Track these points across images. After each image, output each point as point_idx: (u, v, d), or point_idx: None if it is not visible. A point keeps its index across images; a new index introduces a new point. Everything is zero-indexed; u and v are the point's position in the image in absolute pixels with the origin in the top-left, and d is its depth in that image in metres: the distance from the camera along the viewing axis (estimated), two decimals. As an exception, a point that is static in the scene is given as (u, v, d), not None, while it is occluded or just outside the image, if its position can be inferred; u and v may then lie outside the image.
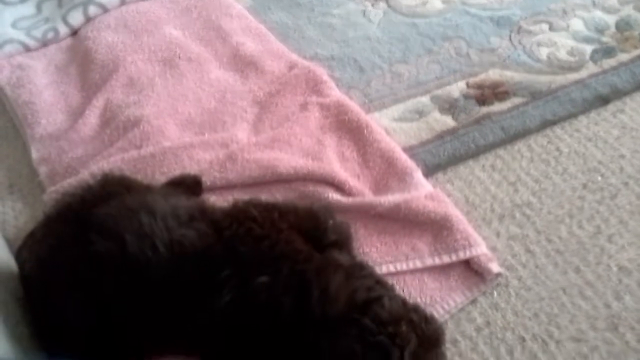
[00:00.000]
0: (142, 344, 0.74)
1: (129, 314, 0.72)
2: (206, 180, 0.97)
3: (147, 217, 0.72)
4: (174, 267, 0.70)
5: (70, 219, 0.75)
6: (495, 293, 0.87)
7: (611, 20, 1.33)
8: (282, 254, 0.72)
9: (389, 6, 1.40)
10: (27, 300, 0.78)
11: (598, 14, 1.35)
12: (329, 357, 0.67)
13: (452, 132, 1.09)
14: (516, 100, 1.15)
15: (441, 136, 1.09)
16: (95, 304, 0.72)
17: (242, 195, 0.90)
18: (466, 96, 1.17)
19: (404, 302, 0.74)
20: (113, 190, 0.77)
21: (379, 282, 0.75)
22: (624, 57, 1.24)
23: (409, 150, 1.05)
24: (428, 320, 0.75)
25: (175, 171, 0.98)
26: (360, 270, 0.74)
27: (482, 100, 1.16)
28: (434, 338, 0.74)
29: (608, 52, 1.25)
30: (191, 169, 0.99)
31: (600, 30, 1.31)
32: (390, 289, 0.75)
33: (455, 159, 1.06)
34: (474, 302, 0.86)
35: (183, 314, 0.71)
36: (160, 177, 0.97)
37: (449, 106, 1.15)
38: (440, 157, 1.05)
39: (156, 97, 1.13)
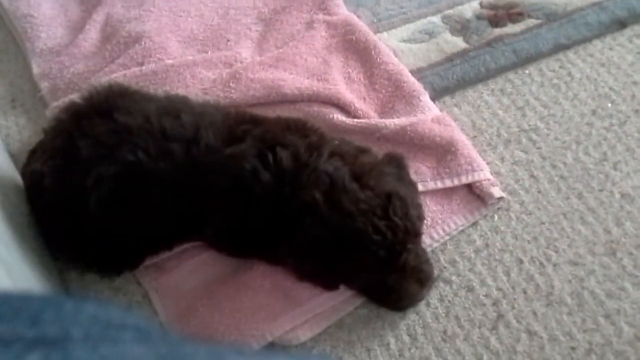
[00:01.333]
0: (164, 231, 0.78)
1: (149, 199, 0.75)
2: (210, 100, 0.96)
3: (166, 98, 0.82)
4: (194, 147, 0.74)
5: (80, 129, 0.76)
6: (496, 216, 0.88)
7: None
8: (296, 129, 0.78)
9: None
10: (38, 215, 0.79)
11: None
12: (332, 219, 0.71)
13: (462, 54, 1.06)
14: (530, 22, 1.11)
15: (451, 59, 1.06)
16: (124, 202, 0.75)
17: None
18: (479, 17, 1.13)
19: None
20: (115, 103, 0.77)
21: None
22: (646, -23, 1.18)
23: (417, 72, 1.03)
24: (428, 260, 0.77)
25: (178, 89, 0.97)
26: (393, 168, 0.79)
27: (495, 22, 1.12)
28: (425, 275, 0.76)
29: (630, -29, 1.19)
30: (194, 87, 0.98)
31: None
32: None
33: (465, 83, 1.03)
34: (474, 224, 0.87)
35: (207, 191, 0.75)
36: (163, 95, 0.96)
37: (461, 27, 1.11)
38: (449, 80, 1.03)
39: (157, 12, 1.10)
